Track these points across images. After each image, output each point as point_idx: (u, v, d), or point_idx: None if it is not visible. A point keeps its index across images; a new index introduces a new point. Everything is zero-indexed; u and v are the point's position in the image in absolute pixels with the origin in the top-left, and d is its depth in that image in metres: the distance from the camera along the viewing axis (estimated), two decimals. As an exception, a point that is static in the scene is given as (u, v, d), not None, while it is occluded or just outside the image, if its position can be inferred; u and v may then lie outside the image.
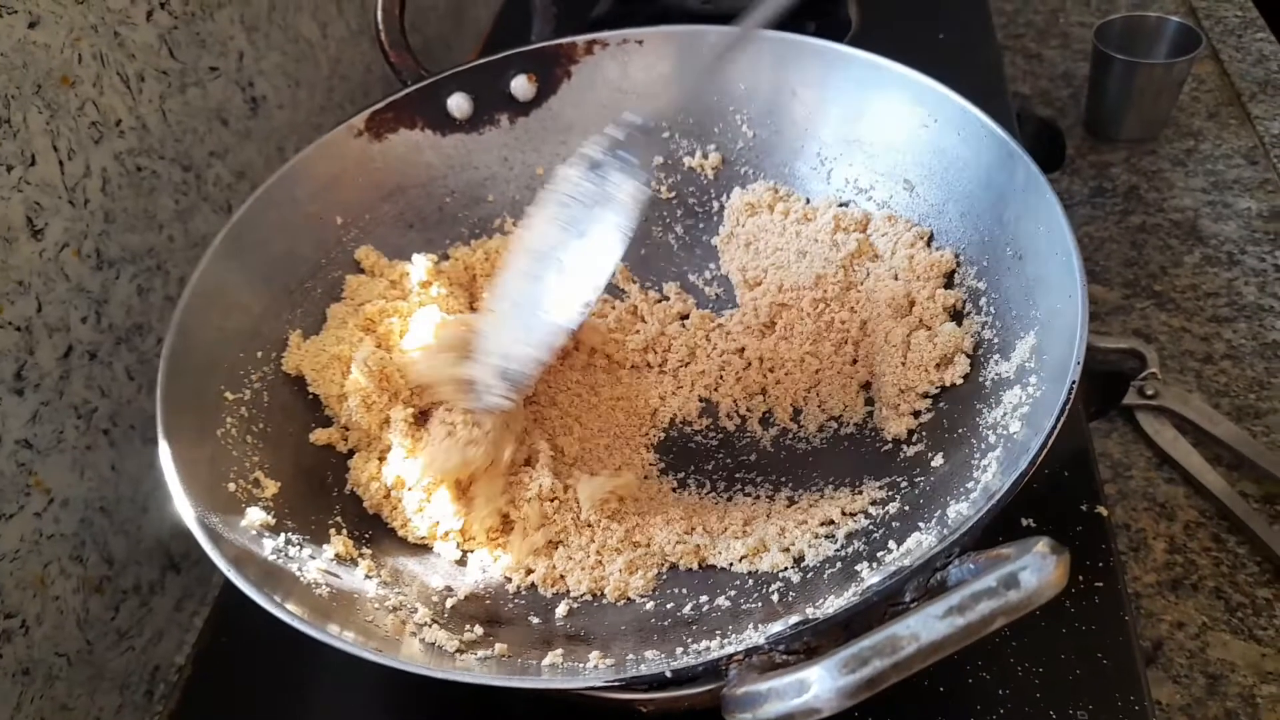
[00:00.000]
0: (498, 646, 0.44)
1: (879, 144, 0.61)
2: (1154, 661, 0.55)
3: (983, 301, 0.54)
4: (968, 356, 0.53)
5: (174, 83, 0.64)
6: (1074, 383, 0.41)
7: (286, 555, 0.46)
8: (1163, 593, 0.58)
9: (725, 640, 0.43)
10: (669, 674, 0.38)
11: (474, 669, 0.43)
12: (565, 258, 0.50)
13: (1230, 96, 0.93)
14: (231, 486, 0.48)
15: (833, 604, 0.42)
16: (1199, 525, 0.61)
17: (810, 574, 0.47)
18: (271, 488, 0.50)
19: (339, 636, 0.40)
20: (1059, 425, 0.41)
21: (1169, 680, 0.55)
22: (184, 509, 0.43)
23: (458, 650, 0.44)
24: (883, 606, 0.39)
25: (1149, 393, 0.67)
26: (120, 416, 0.60)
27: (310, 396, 0.56)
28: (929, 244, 0.59)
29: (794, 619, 0.39)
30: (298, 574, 0.45)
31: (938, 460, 0.50)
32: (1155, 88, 0.86)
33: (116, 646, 0.61)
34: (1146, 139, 0.90)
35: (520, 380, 0.51)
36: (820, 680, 0.32)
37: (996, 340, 0.52)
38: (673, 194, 0.68)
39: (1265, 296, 0.74)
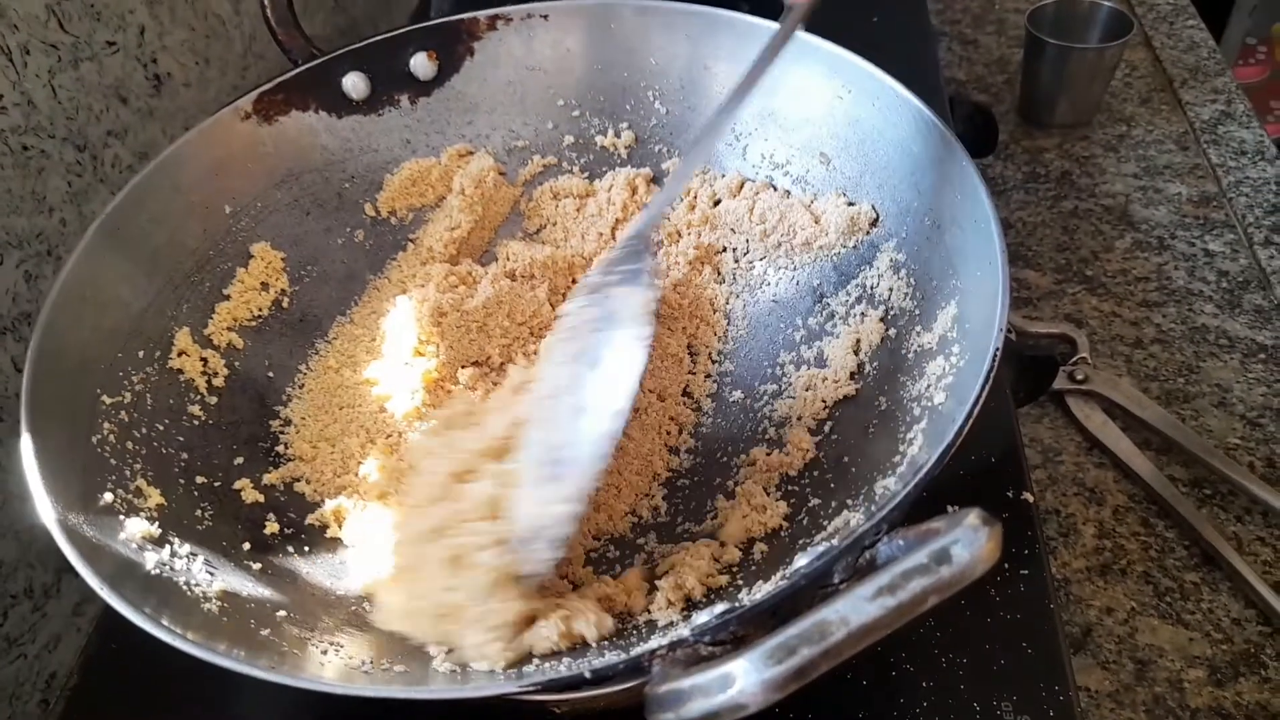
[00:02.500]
0: None
1: (795, 117, 0.59)
2: (1083, 648, 0.55)
3: (903, 273, 0.53)
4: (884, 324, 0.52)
5: (65, 57, 0.60)
6: (997, 350, 0.40)
7: (172, 568, 0.43)
8: (1092, 578, 0.58)
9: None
10: (588, 674, 0.35)
11: (379, 680, 0.40)
12: (583, 395, 0.46)
13: (1162, 83, 0.93)
14: (109, 497, 0.44)
15: (760, 589, 0.40)
16: (1128, 510, 0.61)
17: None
18: (155, 497, 0.46)
19: (230, 655, 0.37)
20: (984, 394, 0.39)
21: (1097, 666, 0.54)
22: (52, 524, 0.40)
23: (363, 661, 0.41)
24: (812, 590, 0.37)
25: (1079, 377, 0.67)
26: (6, 411, 0.57)
27: (198, 397, 0.52)
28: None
29: (720, 607, 0.37)
30: (185, 588, 0.42)
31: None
32: (1088, 73, 0.86)
33: (5, 655, 0.57)
34: (1079, 124, 0.90)
35: (560, 539, 0.44)
36: (745, 674, 0.30)
37: (918, 311, 0.51)
38: (585, 174, 0.66)
39: (1195, 281, 0.74)
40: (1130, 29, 0.84)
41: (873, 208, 0.56)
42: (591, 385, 0.46)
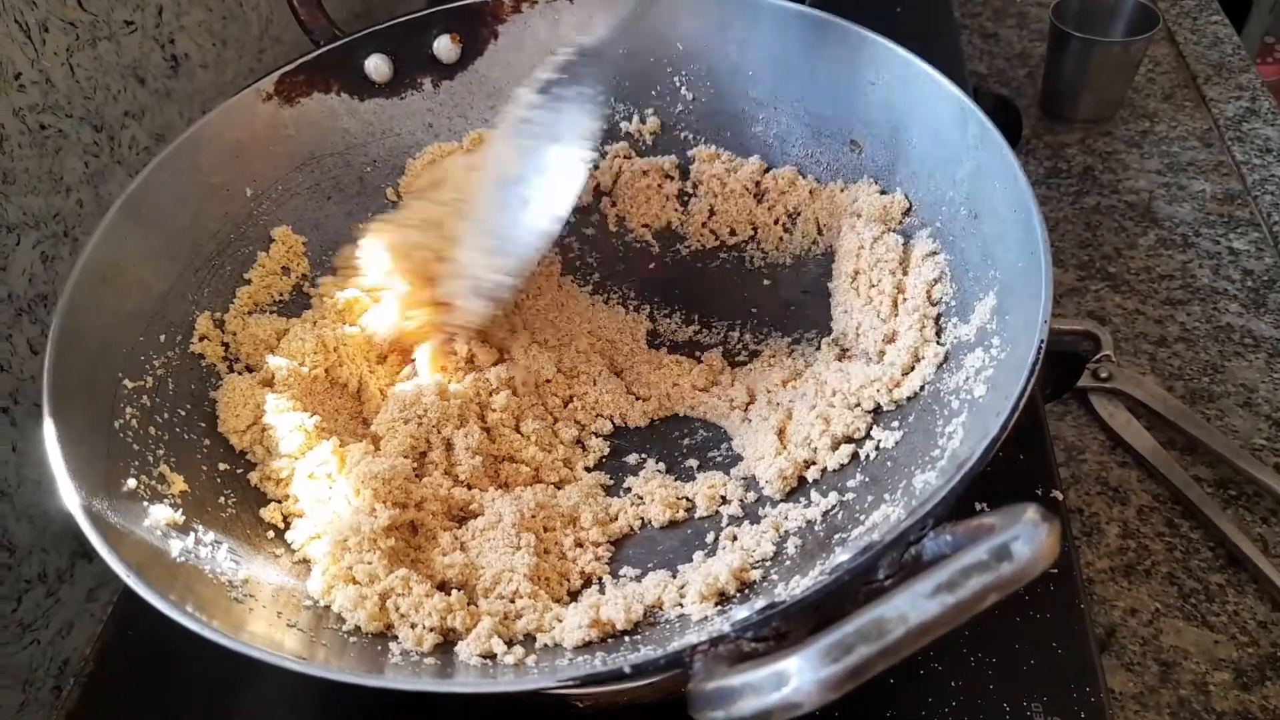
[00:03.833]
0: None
1: (824, 104, 0.58)
2: (1107, 649, 0.54)
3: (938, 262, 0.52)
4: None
5: (83, 35, 0.59)
6: (1042, 341, 0.39)
7: (197, 555, 0.42)
8: (1115, 578, 0.57)
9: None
10: (628, 669, 0.34)
11: (407, 672, 0.40)
12: (529, 192, 0.52)
13: (1186, 79, 0.93)
14: (132, 483, 0.43)
15: (801, 585, 0.39)
16: (1152, 510, 0.60)
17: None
18: (178, 483, 0.45)
19: (256, 645, 0.36)
20: (1030, 386, 0.38)
21: (1122, 668, 0.53)
22: (76, 511, 0.39)
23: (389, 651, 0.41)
24: (855, 586, 0.36)
25: (1103, 375, 0.66)
26: (22, 393, 0.56)
27: (219, 383, 0.52)
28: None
29: (760, 602, 0.37)
30: (210, 576, 0.41)
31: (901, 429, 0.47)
32: (1112, 67, 0.85)
33: (18, 640, 0.57)
34: (1102, 120, 0.89)
35: (495, 297, 0.53)
36: (800, 672, 0.28)
37: (954, 303, 0.50)
38: None
39: (1219, 279, 0.73)
40: (1155, 23, 0.83)
41: (905, 196, 0.55)
42: (537, 186, 0.52)
